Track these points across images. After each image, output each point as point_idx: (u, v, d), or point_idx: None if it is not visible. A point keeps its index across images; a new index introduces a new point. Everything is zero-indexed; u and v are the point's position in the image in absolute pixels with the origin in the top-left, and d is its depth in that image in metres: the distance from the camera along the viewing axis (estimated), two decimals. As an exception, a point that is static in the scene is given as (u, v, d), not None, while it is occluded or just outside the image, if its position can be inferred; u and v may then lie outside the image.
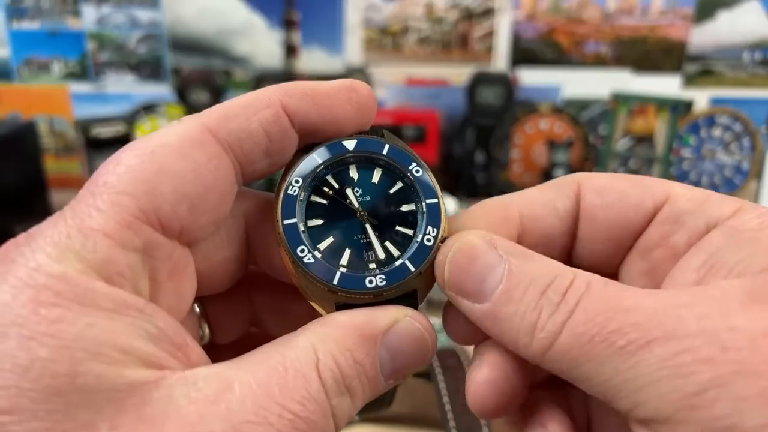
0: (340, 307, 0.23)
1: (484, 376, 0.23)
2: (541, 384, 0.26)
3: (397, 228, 0.24)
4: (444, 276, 0.23)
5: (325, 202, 0.24)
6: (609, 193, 0.25)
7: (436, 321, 0.24)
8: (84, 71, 1.40)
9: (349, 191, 0.25)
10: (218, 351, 0.21)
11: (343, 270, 0.23)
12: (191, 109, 1.24)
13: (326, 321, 0.22)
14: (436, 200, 0.24)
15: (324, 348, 0.21)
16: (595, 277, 0.20)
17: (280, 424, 0.19)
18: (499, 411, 0.23)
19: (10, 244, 0.20)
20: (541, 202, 0.25)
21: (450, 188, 1.17)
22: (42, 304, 0.18)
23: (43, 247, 0.19)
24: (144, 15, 1.36)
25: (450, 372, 0.47)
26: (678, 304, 0.19)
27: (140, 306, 0.19)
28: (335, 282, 0.23)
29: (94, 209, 0.20)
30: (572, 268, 0.21)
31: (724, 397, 0.17)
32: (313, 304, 0.24)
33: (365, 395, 0.22)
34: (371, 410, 0.30)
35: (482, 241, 0.22)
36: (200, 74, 1.33)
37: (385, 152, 0.25)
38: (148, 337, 0.19)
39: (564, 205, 0.25)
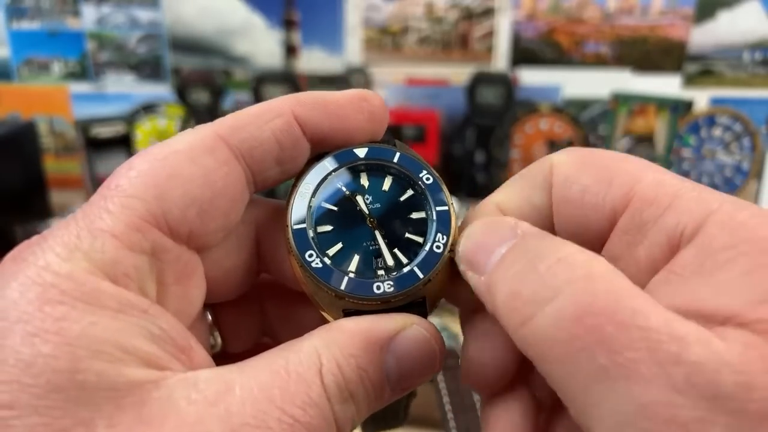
0: (348, 313, 0.23)
1: (474, 352, 0.22)
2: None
3: (407, 235, 0.24)
4: (459, 245, 0.23)
5: (335, 208, 0.24)
6: (572, 185, 0.23)
7: (437, 321, 0.24)
8: (84, 71, 1.40)
9: (359, 198, 0.24)
10: (231, 360, 0.21)
11: (351, 276, 0.23)
12: (191, 109, 1.25)
13: (332, 326, 0.22)
14: (446, 208, 0.24)
15: (328, 353, 0.20)
16: (603, 264, 0.18)
17: (280, 429, 0.18)
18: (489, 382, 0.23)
19: (24, 244, 0.20)
20: (519, 200, 0.24)
21: (450, 188, 1.17)
22: (48, 302, 0.18)
23: (53, 246, 0.19)
24: (144, 15, 1.36)
25: (450, 372, 0.47)
26: (677, 336, 0.16)
27: (144, 307, 0.19)
28: (342, 287, 0.23)
29: (105, 211, 0.20)
30: (582, 248, 0.19)
31: None
32: (323, 313, 0.24)
33: (370, 403, 0.21)
34: (384, 427, 0.29)
35: (506, 219, 0.22)
36: (200, 74, 1.33)
37: (396, 160, 0.25)
38: (151, 337, 0.19)
39: (540, 199, 0.24)
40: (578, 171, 0.23)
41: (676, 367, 0.16)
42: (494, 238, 0.21)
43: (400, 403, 0.27)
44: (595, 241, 0.23)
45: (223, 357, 0.27)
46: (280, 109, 0.23)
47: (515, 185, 0.25)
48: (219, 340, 0.27)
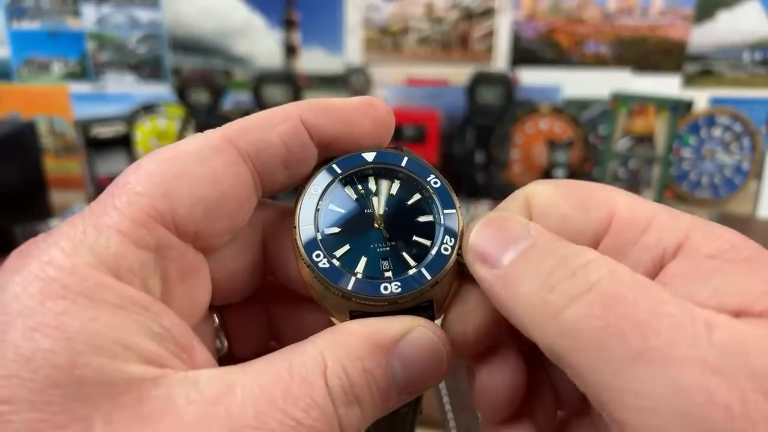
0: (354, 315, 0.23)
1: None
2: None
3: (415, 238, 0.24)
4: (470, 238, 0.23)
5: (343, 211, 0.25)
6: (551, 216, 0.23)
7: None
8: (84, 71, 1.40)
9: (367, 201, 0.25)
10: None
11: (359, 276, 0.23)
12: (191, 109, 1.25)
13: (337, 328, 0.22)
14: (453, 211, 0.24)
15: (333, 355, 0.20)
16: (621, 265, 0.19)
17: (281, 431, 0.18)
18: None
19: (31, 240, 0.20)
20: None
21: (450, 188, 1.17)
22: (49, 296, 0.18)
23: (58, 242, 0.19)
24: (144, 15, 1.36)
25: (450, 372, 0.47)
26: (705, 321, 0.17)
27: (146, 304, 0.19)
28: (350, 287, 0.23)
29: (111, 208, 0.20)
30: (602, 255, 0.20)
31: None
32: (330, 318, 0.24)
33: (375, 407, 0.21)
34: None
35: (516, 217, 0.22)
36: (200, 74, 1.34)
37: (403, 164, 0.25)
38: (152, 335, 0.19)
39: None
40: (555, 201, 0.24)
41: (708, 350, 0.16)
42: (507, 235, 0.22)
43: (405, 422, 0.27)
44: None
45: (229, 361, 0.27)
46: (287, 114, 0.23)
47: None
48: (225, 343, 0.27)
